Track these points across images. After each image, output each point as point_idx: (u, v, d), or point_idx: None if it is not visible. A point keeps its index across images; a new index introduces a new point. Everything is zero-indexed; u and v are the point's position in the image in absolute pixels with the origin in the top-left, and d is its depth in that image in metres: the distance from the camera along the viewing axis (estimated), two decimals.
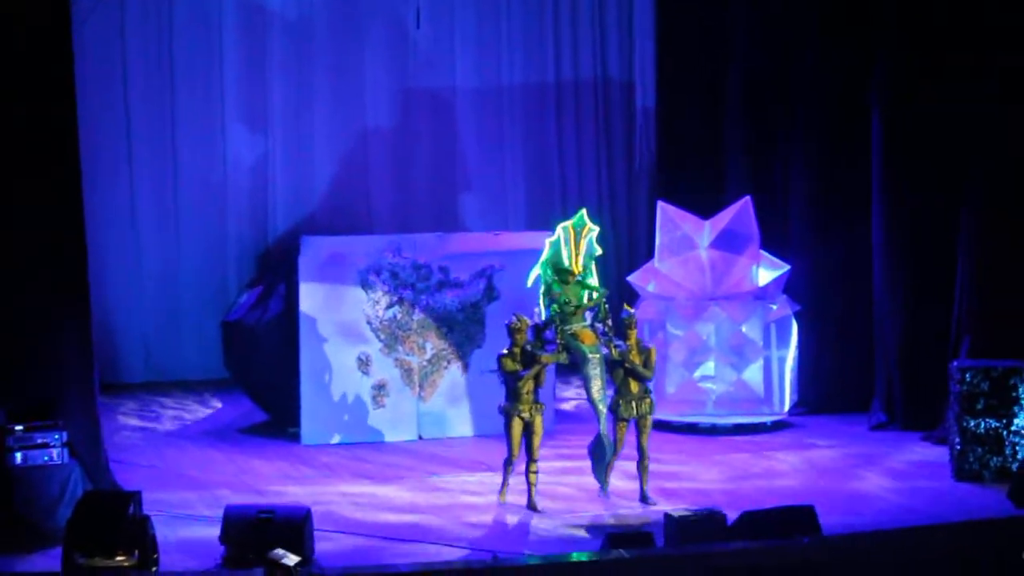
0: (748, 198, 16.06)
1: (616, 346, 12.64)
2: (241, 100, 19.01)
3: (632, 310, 13.04)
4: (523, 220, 19.81)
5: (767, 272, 15.95)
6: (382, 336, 15.19)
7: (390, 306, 15.19)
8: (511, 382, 12.48)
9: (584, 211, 13.22)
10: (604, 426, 12.52)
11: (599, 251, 13.16)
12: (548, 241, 12.99)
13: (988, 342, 14.31)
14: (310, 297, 15.00)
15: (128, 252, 18.67)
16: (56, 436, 11.78)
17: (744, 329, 15.92)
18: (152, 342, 18.82)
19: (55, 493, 11.61)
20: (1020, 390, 13.36)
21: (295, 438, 15.10)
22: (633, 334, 12.68)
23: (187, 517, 12.17)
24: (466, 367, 15.42)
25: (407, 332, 15.24)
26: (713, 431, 15.40)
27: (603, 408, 12.55)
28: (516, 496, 12.72)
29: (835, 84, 16.31)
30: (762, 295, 15.98)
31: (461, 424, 15.40)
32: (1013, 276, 14.49)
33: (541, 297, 12.90)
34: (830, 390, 16.40)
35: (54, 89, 12.24)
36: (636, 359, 12.60)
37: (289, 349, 15.08)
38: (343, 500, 12.84)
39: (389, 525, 12.02)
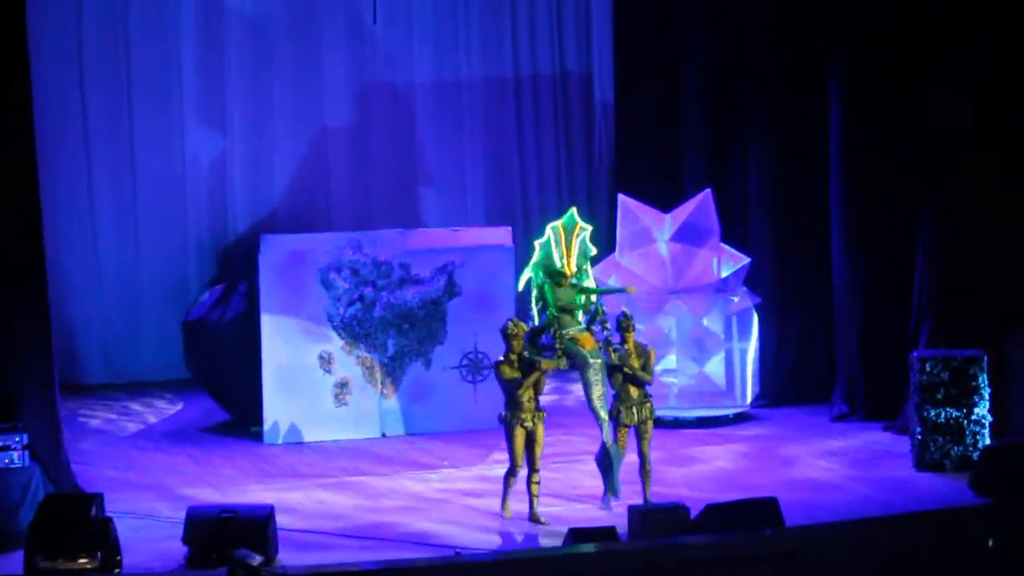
0: (708, 191, 16.08)
1: (615, 350, 12.27)
2: (199, 99, 18.93)
3: (628, 311, 12.60)
4: (483, 216, 19.79)
5: (727, 265, 15.98)
6: (343, 334, 15.16)
7: (351, 303, 15.16)
8: (510, 390, 11.99)
9: (575, 210, 12.74)
10: (607, 434, 12.14)
11: (593, 251, 12.76)
12: (538, 243, 12.52)
13: (947, 332, 14.37)
14: (271, 295, 14.96)
15: (87, 253, 18.56)
16: (16, 439, 11.72)
17: (705, 322, 15.94)
18: (112, 342, 18.72)
19: (16, 496, 11.55)
20: (980, 379, 13.43)
21: (257, 437, 15.06)
22: (631, 336, 12.28)
23: (149, 518, 12.12)
24: (428, 364, 15.40)
25: (368, 329, 15.22)
26: (676, 424, 15.41)
27: (604, 415, 12.16)
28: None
29: (794, 75, 16.35)
30: (723, 288, 16.01)
31: (424, 421, 15.37)
32: (972, 266, 14.54)
33: (533, 301, 12.46)
34: (791, 382, 16.45)
35: (8, 89, 12.17)
36: (635, 363, 12.24)
37: (251, 348, 15.03)
38: (306, 499, 12.81)
39: (352, 523, 12.00)
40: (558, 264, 12.37)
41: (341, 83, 19.38)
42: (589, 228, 12.66)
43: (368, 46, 19.45)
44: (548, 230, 12.52)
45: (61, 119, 18.07)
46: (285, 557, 10.85)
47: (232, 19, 18.95)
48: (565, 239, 12.46)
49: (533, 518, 11.99)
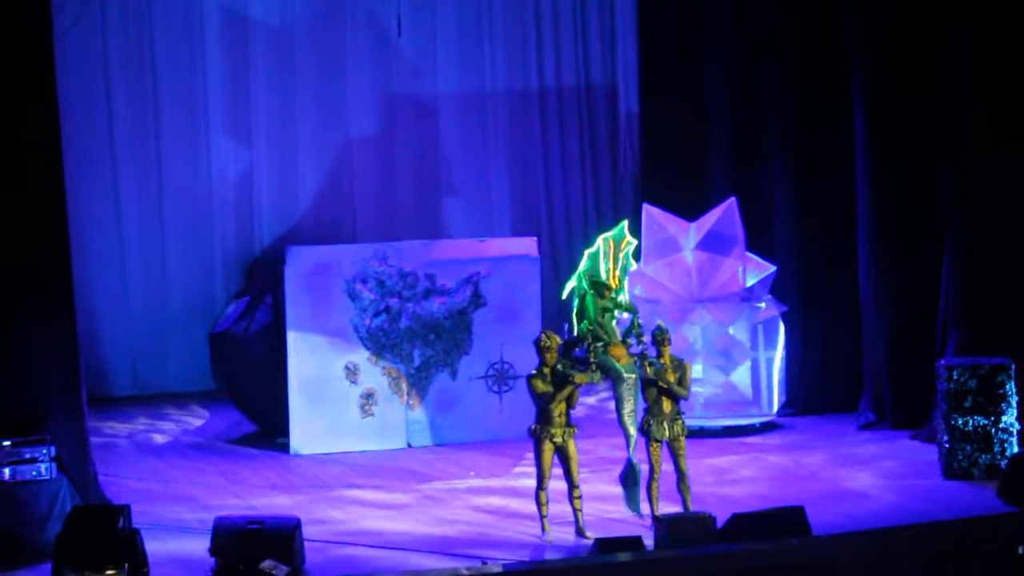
0: (733, 199, 16.05)
1: (651, 364, 12.00)
2: (225, 111, 19.01)
3: (664, 324, 12.34)
4: (508, 226, 19.82)
5: (753, 273, 15.95)
6: (369, 345, 15.17)
7: (377, 314, 15.17)
8: (542, 404, 11.65)
9: (626, 223, 12.54)
10: (633, 450, 11.96)
11: (634, 265, 12.65)
12: (587, 253, 12.30)
13: (975, 339, 14.31)
14: (297, 307, 14.99)
15: (115, 265, 18.65)
16: (44, 451, 11.77)
17: (731, 331, 15.89)
18: (139, 355, 18.80)
19: (44, 508, 11.59)
20: (1007, 387, 13.37)
21: (284, 448, 15.08)
22: (667, 350, 12.02)
23: (177, 529, 12.15)
24: (454, 374, 15.40)
25: (394, 340, 15.23)
26: (702, 433, 15.34)
27: (633, 431, 11.94)
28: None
29: (818, 82, 16.33)
30: (748, 296, 15.97)
31: (450, 432, 15.37)
32: (1000, 272, 14.49)
33: (575, 311, 12.23)
34: (818, 390, 16.41)
35: (36, 103, 12.22)
36: (671, 377, 11.97)
37: (277, 359, 15.07)
38: (332, 509, 12.82)
39: (378, 534, 12.00)
40: (603, 276, 12.20)
41: (366, 95, 19.45)
42: (635, 242, 12.54)
43: (393, 58, 19.51)
44: (599, 241, 12.33)
45: (88, 134, 18.18)
46: (312, 568, 10.86)
47: (257, 32, 19.04)
48: (614, 251, 12.30)
49: (579, 531, 11.80)
